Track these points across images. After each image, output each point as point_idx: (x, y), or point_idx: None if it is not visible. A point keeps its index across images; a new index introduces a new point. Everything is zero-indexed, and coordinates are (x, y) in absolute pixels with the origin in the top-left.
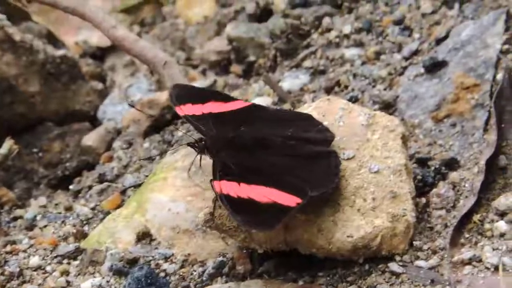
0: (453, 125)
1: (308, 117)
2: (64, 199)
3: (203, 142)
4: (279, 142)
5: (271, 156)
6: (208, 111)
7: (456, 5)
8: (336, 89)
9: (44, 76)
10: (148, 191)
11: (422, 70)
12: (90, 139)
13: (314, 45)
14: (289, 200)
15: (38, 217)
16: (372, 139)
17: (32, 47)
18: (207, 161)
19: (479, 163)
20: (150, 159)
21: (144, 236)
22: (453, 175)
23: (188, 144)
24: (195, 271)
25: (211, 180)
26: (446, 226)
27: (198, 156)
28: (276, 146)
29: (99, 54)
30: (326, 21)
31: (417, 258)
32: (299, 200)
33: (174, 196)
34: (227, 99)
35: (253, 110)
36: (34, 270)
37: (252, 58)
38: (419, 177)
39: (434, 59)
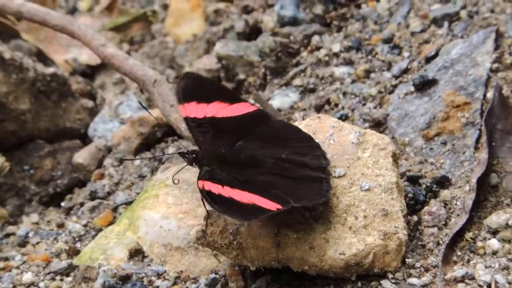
0: (444, 143)
1: (308, 138)
2: (56, 216)
3: (193, 155)
4: (272, 163)
5: (261, 174)
6: (211, 115)
7: (446, 24)
8: (326, 107)
9: (34, 94)
10: (140, 208)
11: (412, 89)
12: (81, 156)
13: (303, 63)
14: (270, 205)
15: (30, 234)
16: (363, 157)
17: (22, 65)
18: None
19: (470, 181)
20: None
21: (136, 253)
22: (445, 193)
23: (179, 153)
24: (187, 287)
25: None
26: (438, 244)
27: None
28: (268, 166)
29: (89, 72)
30: (315, 39)
31: (410, 275)
32: (279, 207)
33: (165, 213)
34: (233, 100)
35: (255, 120)
36: (27, 287)
37: (241, 76)
38: (410, 195)
39: (424, 78)
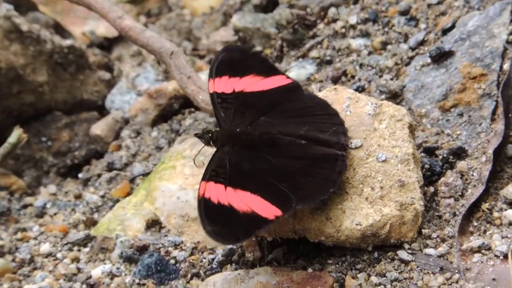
0: (460, 114)
1: (333, 114)
2: (73, 187)
3: (209, 135)
4: (287, 142)
5: (274, 156)
6: (241, 89)
7: None
8: (343, 78)
9: (51, 66)
10: (157, 179)
11: (429, 60)
12: (99, 128)
13: (320, 35)
14: (269, 211)
15: (48, 205)
16: (379, 129)
17: (40, 37)
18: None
19: (486, 152)
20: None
21: (153, 224)
22: (461, 164)
23: (195, 135)
24: (204, 258)
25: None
26: (454, 214)
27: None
28: (283, 145)
29: (106, 44)
30: (332, 11)
31: (426, 246)
32: (278, 213)
33: (183, 184)
34: (270, 72)
35: (285, 94)
36: (45, 257)
37: (258, 48)
38: (427, 166)
39: (441, 49)
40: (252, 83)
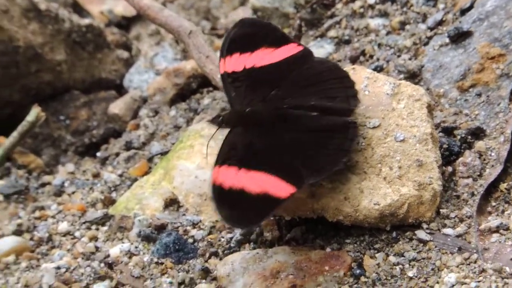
0: (479, 94)
1: (344, 77)
2: (91, 166)
3: (220, 118)
4: (297, 115)
5: (285, 131)
6: (251, 65)
7: None
8: (361, 58)
9: (70, 44)
10: (175, 158)
11: (447, 40)
12: (117, 107)
13: (338, 15)
14: (283, 189)
15: (66, 184)
16: (398, 108)
17: (58, 16)
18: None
19: (505, 132)
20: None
21: (171, 203)
22: (479, 144)
23: (208, 121)
24: (223, 237)
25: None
26: (473, 194)
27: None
28: (293, 119)
29: (125, 23)
30: None
31: (444, 226)
32: (292, 190)
33: (201, 163)
34: (280, 42)
35: (295, 63)
36: (63, 236)
37: None
38: (445, 146)
39: (459, 29)
40: (263, 57)
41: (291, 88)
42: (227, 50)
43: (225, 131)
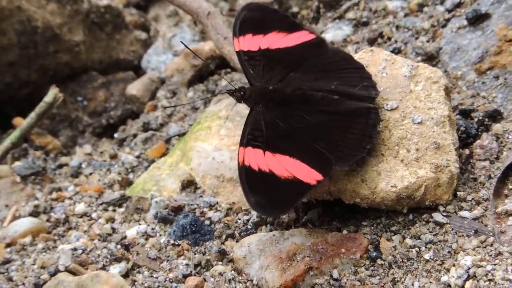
0: (496, 77)
1: (360, 68)
2: (109, 147)
3: (241, 93)
4: (319, 97)
5: (308, 113)
6: (266, 46)
7: None
8: (379, 40)
9: (88, 25)
10: (193, 140)
11: (465, 22)
12: (134, 88)
13: None
14: (310, 176)
15: (83, 165)
16: (415, 90)
17: None
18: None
19: None
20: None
21: (188, 184)
22: (497, 127)
23: (228, 91)
24: (239, 219)
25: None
26: (490, 177)
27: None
28: (315, 101)
29: (143, 4)
30: None
31: (461, 208)
32: (319, 178)
33: (218, 145)
34: (293, 28)
35: (310, 49)
36: (80, 217)
37: (295, 9)
38: (462, 128)
39: (477, 12)
40: (277, 40)
41: (309, 72)
42: (239, 30)
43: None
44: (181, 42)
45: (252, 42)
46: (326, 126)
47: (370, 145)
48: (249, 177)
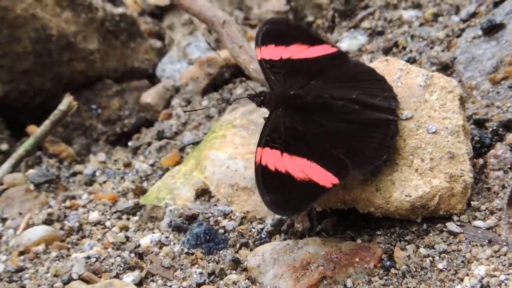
0: (511, 87)
1: (381, 80)
2: (123, 155)
3: (261, 97)
4: (339, 105)
5: (327, 120)
6: (288, 56)
7: None
8: (394, 50)
9: (103, 33)
10: (207, 148)
11: (480, 32)
12: (149, 96)
13: (372, 6)
14: (326, 179)
15: (97, 173)
16: (430, 100)
17: (91, 5)
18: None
19: None
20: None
21: (203, 193)
22: (511, 137)
23: (248, 96)
24: (253, 228)
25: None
26: (503, 187)
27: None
28: (335, 109)
29: (158, 13)
30: None
31: (475, 218)
32: (335, 181)
33: (232, 153)
34: (314, 42)
35: (331, 61)
36: (94, 225)
37: (310, 18)
38: (476, 138)
39: (492, 22)
40: (299, 51)
41: (330, 82)
42: (262, 41)
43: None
44: (206, 41)
45: (274, 52)
46: (345, 134)
47: (387, 155)
48: (265, 177)
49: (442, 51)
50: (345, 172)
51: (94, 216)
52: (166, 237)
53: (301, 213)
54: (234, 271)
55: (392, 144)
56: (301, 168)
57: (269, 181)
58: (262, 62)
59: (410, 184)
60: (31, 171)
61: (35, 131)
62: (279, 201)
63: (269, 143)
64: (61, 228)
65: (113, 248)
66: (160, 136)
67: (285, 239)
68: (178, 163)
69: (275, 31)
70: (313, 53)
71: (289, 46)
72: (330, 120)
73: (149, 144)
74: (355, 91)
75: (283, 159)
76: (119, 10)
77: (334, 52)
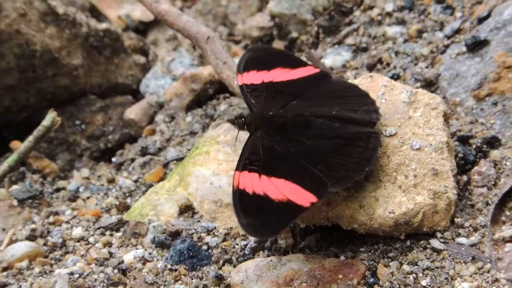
0: (495, 103)
1: (363, 95)
2: (106, 171)
3: (242, 119)
4: (319, 123)
5: (307, 138)
6: (269, 80)
7: None
8: (378, 66)
9: (87, 49)
10: (191, 164)
11: (464, 49)
12: (133, 112)
13: (356, 22)
14: (304, 198)
15: (81, 189)
16: (414, 117)
17: (75, 20)
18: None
19: None
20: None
21: (186, 209)
22: (495, 153)
23: (228, 120)
24: (237, 244)
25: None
26: (487, 203)
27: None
28: (315, 127)
29: (142, 28)
30: None
31: (458, 235)
32: (314, 200)
33: (216, 170)
34: (297, 64)
35: (313, 81)
36: (77, 241)
37: (294, 34)
38: (460, 155)
39: (476, 38)
40: (281, 74)
41: (311, 100)
42: (244, 68)
43: (243, 136)
44: None
45: (256, 77)
46: (325, 150)
47: (369, 168)
48: (243, 200)
49: (427, 67)
50: (323, 190)
51: (77, 232)
52: (150, 253)
53: (281, 232)
54: None
55: (373, 157)
56: (279, 189)
57: (246, 205)
58: (243, 88)
59: (393, 201)
60: (14, 186)
61: (19, 146)
62: (256, 224)
63: (247, 166)
64: (45, 244)
65: (96, 264)
66: (143, 152)
67: (268, 256)
68: (161, 179)
69: (257, 58)
70: (295, 75)
71: (271, 70)
72: (310, 138)
73: (132, 160)
74: (335, 108)
75: (261, 181)
76: (103, 25)
77: (317, 73)
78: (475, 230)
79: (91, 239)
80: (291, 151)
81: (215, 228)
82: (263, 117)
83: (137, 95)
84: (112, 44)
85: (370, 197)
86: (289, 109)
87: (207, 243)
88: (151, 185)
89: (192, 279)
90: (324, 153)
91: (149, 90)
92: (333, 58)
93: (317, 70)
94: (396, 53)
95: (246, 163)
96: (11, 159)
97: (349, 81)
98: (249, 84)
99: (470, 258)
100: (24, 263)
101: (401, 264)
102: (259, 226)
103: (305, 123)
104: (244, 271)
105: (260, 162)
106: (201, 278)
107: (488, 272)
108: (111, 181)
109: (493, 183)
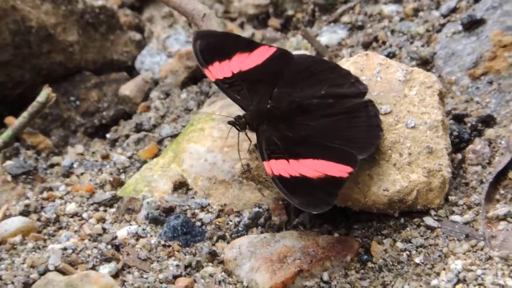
0: (490, 82)
1: (335, 68)
2: (101, 147)
3: (243, 119)
4: (316, 104)
5: (312, 120)
6: (238, 70)
7: None
8: (374, 44)
9: (82, 25)
10: (185, 141)
11: (460, 28)
12: (128, 88)
13: (352, 0)
14: (340, 170)
15: (75, 165)
16: (409, 95)
17: None
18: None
19: None
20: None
21: (180, 186)
22: (489, 132)
23: (229, 123)
24: (231, 221)
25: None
26: (481, 182)
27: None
28: (313, 109)
29: (138, 5)
30: None
31: (452, 213)
32: (350, 169)
33: (211, 146)
34: (252, 47)
35: (279, 63)
36: (71, 217)
37: (290, 12)
38: (455, 133)
39: (472, 17)
40: (243, 61)
41: (292, 84)
42: (205, 60)
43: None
44: None
45: (222, 69)
46: (333, 127)
47: (381, 132)
48: (285, 184)
49: (422, 46)
50: (355, 159)
51: (71, 207)
52: (143, 229)
53: (275, 205)
54: (210, 264)
55: (380, 122)
56: (313, 168)
57: (290, 187)
58: (219, 83)
59: (388, 179)
60: (8, 162)
61: (13, 122)
62: (308, 201)
63: (271, 155)
64: (38, 220)
65: (89, 240)
66: (138, 128)
67: (262, 232)
68: (156, 155)
69: (211, 46)
70: (258, 59)
71: (231, 58)
72: (313, 119)
73: (127, 136)
74: (321, 87)
75: (291, 165)
76: (99, 2)
77: (276, 52)
78: (469, 208)
79: (84, 215)
80: (302, 134)
81: (209, 204)
82: (260, 112)
83: (132, 72)
84: (108, 21)
85: (365, 175)
86: (279, 99)
87: (200, 220)
88: (145, 162)
89: (185, 255)
90: (334, 130)
91: (144, 67)
92: (328, 36)
93: (275, 49)
94: (392, 31)
95: (268, 153)
96: (5, 134)
97: (340, 58)
98: (221, 78)
99: (464, 236)
100: (18, 238)
101: (395, 241)
102: (312, 203)
103: (303, 108)
104: (237, 247)
105: (281, 150)
106: (194, 254)
107: (482, 250)
108: (105, 157)
109: (487, 161)
